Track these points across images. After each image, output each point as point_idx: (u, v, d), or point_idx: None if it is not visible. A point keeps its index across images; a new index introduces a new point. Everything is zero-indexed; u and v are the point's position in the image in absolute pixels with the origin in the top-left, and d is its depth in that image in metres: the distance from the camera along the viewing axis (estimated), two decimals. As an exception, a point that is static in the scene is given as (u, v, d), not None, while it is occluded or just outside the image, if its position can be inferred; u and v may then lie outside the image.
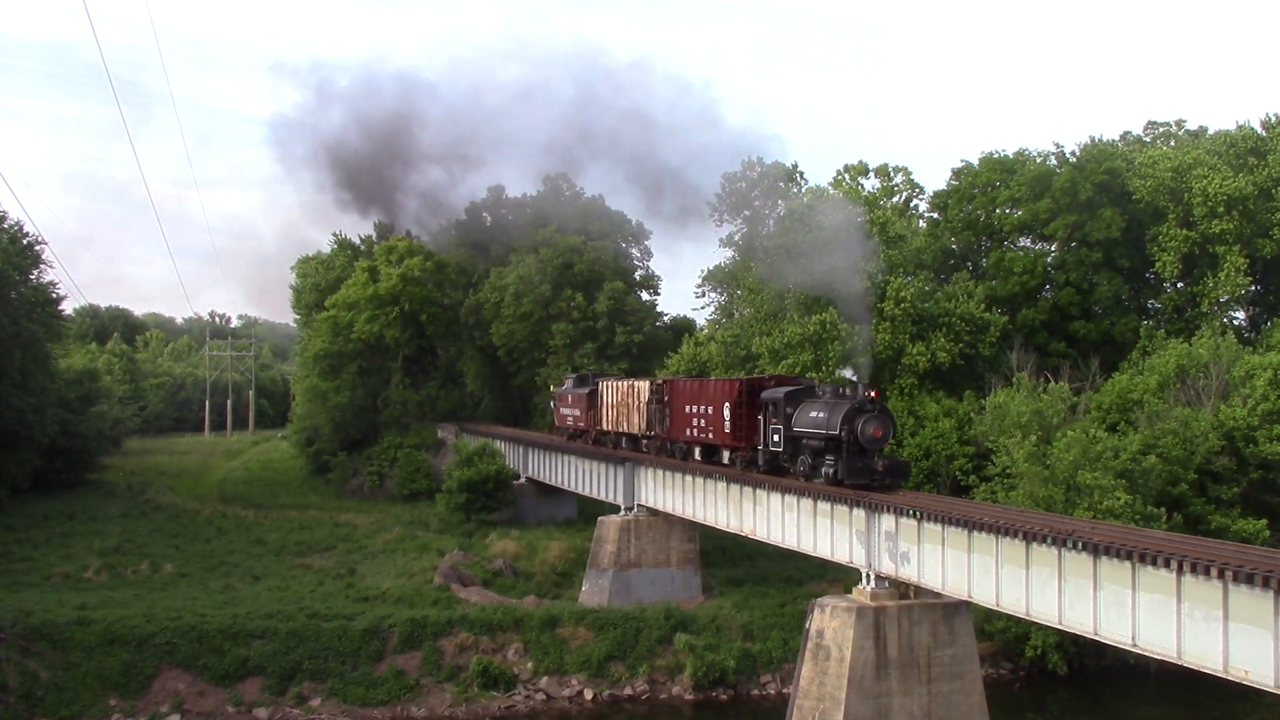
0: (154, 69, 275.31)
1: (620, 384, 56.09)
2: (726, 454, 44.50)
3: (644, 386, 52.28)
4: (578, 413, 61.53)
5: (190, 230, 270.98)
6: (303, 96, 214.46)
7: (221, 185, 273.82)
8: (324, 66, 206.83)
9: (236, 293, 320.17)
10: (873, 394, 36.99)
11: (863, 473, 35.62)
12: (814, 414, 37.64)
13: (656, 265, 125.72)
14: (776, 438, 39.81)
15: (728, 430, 43.13)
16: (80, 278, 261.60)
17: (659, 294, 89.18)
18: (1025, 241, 73.40)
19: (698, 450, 47.11)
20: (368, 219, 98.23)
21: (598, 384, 59.31)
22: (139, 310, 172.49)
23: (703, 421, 45.49)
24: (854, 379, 38.53)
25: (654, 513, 52.31)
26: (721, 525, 45.00)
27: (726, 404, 43.03)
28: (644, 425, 51.71)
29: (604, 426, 57.23)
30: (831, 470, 36.11)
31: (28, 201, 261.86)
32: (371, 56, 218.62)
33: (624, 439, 55.40)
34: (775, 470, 40.64)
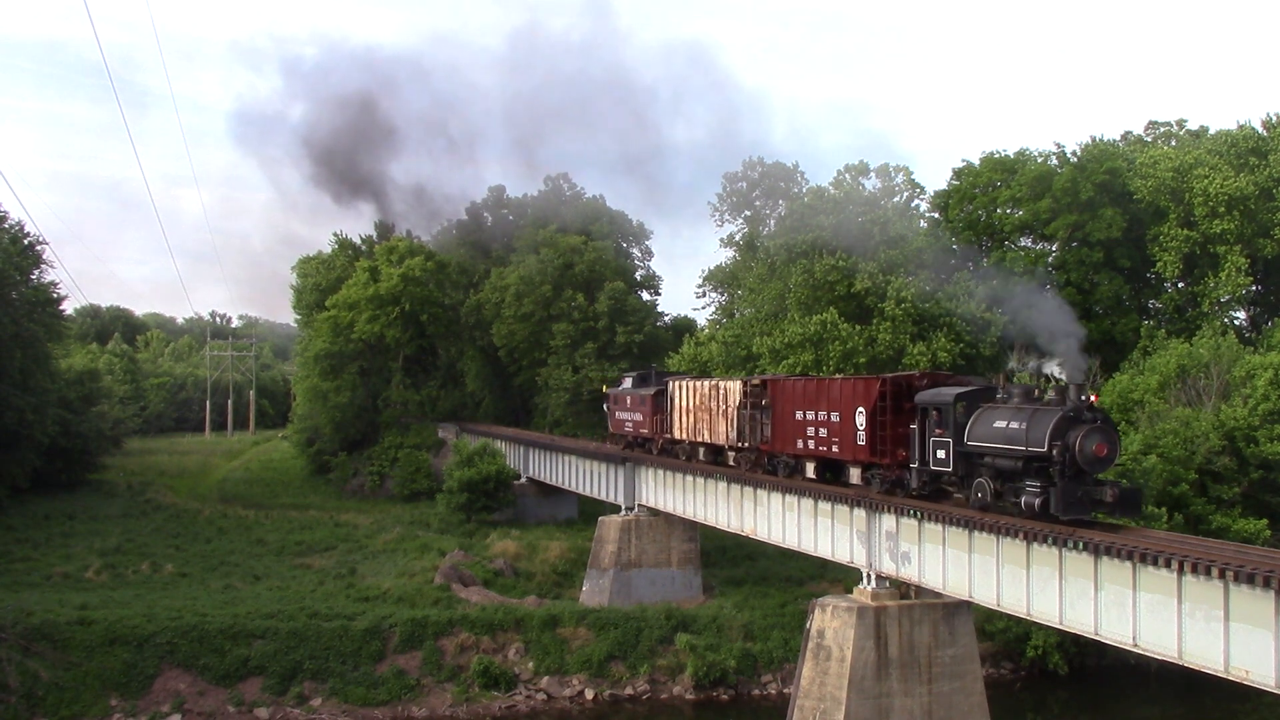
0: (144, 67, 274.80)
1: (700, 384, 46.95)
2: (856, 472, 36.05)
3: (734, 387, 43.58)
4: (639, 418, 53.10)
5: (179, 228, 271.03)
6: (271, 83, 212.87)
7: (212, 183, 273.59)
8: (288, 42, 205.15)
9: (228, 290, 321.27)
10: (1092, 397, 28.94)
11: (1084, 504, 27.50)
12: (1003, 423, 29.32)
13: (657, 265, 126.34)
14: (942, 454, 31.27)
15: (862, 442, 34.64)
16: (67, 276, 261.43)
17: (659, 294, 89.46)
18: (1026, 241, 73.41)
19: (811, 466, 38.55)
20: (352, 208, 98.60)
21: (667, 384, 50.28)
22: (137, 310, 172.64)
23: (823, 431, 36.93)
24: (1059, 376, 30.81)
25: (654, 512, 52.31)
26: (722, 525, 45.00)
27: (861, 409, 34.64)
28: (733, 434, 43.34)
29: (675, 434, 48.92)
30: (1038, 500, 27.86)
31: (9, 197, 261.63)
32: (340, 34, 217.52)
33: (702, 450, 47.13)
34: (936, 495, 32.78)
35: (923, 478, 32.59)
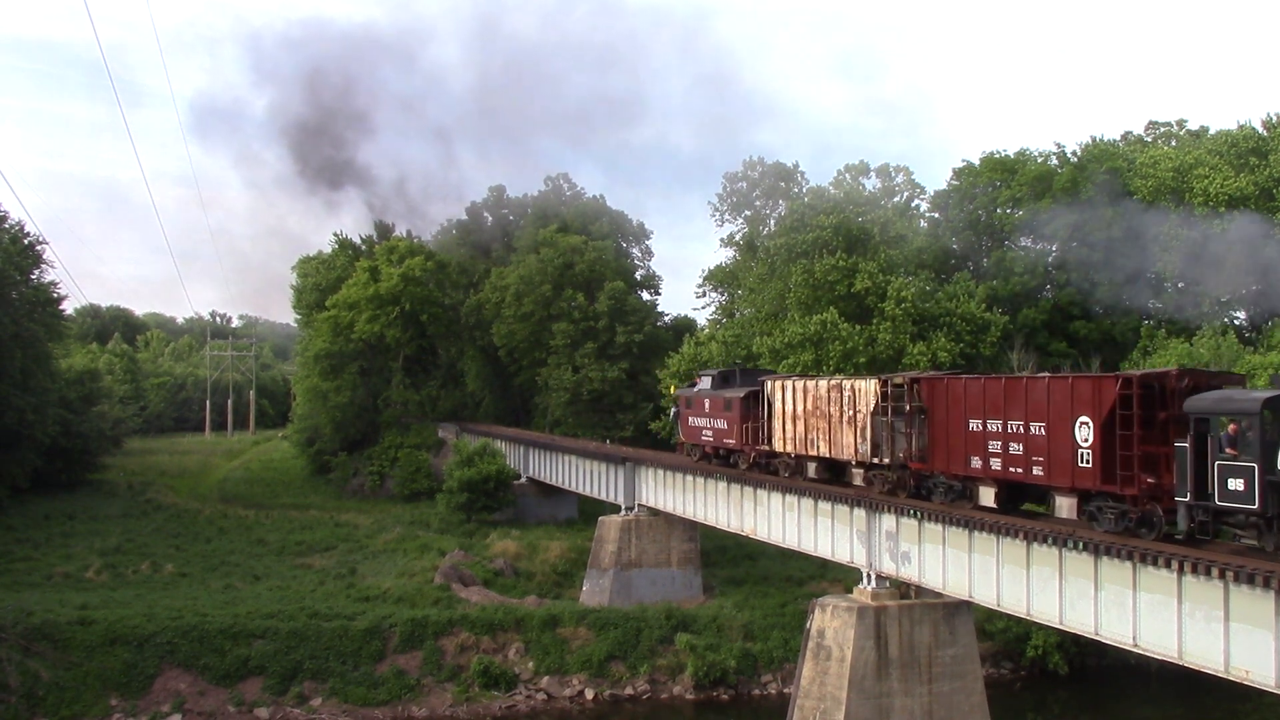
0: (135, 65, 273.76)
1: (813, 384, 38.54)
2: (1069, 502, 27.81)
3: (867, 388, 35.25)
4: (723, 426, 45.11)
5: (164, 226, 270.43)
6: (240, 69, 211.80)
7: (192, 179, 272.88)
8: (251, 22, 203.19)
9: (219, 287, 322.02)
10: None
11: None
12: None
13: (658, 265, 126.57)
14: (1237, 484, 22.94)
15: (1086, 464, 26.55)
16: (67, 276, 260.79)
17: (660, 294, 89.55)
18: (1026, 241, 73.43)
19: (990, 493, 30.43)
20: (332, 199, 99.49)
21: (763, 384, 42.05)
22: (137, 310, 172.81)
23: (1015, 446, 28.84)
24: None
25: (654, 512, 52.33)
26: (722, 525, 44.99)
27: (1084, 419, 26.53)
28: (864, 448, 35.26)
29: (775, 445, 40.77)
30: None
31: (3, 196, 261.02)
32: (304, 11, 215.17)
33: (812, 465, 38.95)
34: (1204, 539, 24.39)
35: (1196, 516, 23.96)
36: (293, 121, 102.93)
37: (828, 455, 37.66)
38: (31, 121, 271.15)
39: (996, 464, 29.59)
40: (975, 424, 30.31)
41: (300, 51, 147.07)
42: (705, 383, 48.07)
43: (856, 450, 35.83)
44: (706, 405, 46.78)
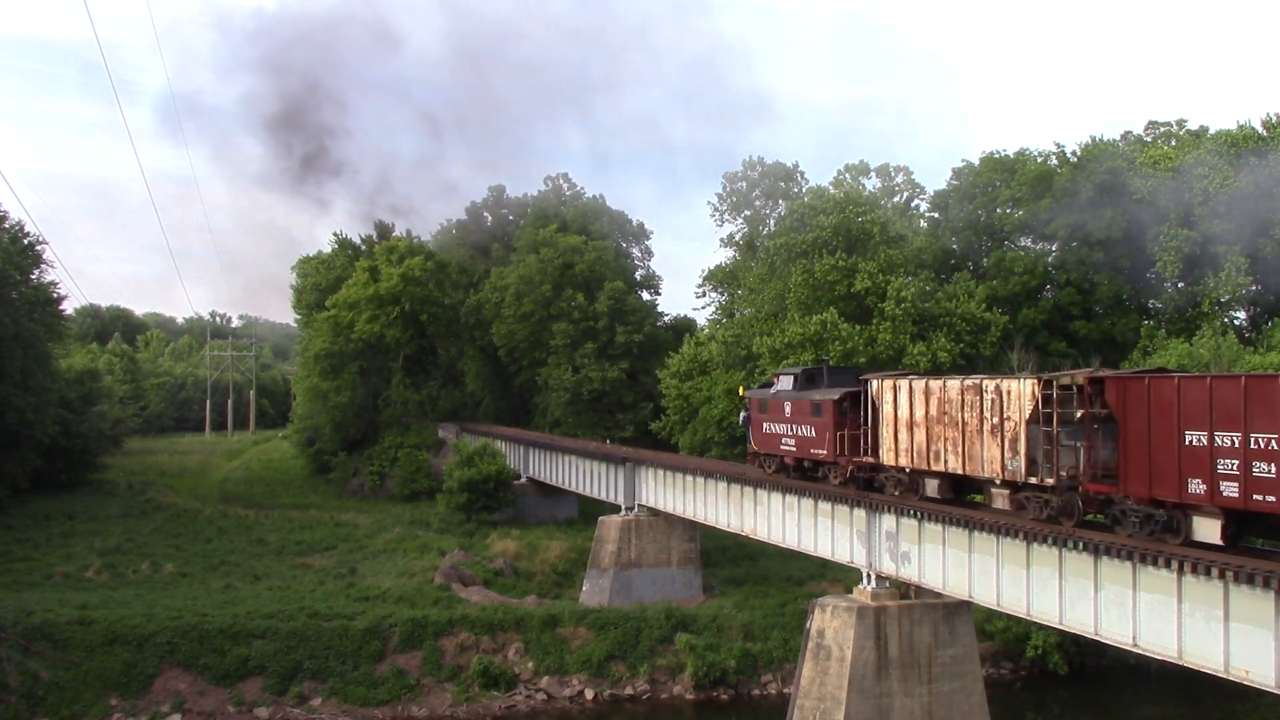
0: (123, 62, 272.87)
1: (938, 385, 31.70)
2: None
3: (1021, 389, 28.43)
4: (810, 433, 38.24)
5: (154, 225, 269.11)
6: (219, 59, 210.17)
7: (181, 177, 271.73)
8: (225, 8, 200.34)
9: (211, 284, 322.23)
10: None
11: None
12: None
13: (657, 265, 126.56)
14: None
15: None
16: (67, 276, 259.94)
17: (659, 294, 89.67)
18: (1026, 241, 73.45)
19: (1215, 525, 23.78)
20: (316, 194, 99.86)
21: (866, 383, 35.36)
22: (137, 310, 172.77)
23: (1263, 466, 22.24)
24: None
25: (654, 512, 52.33)
26: (722, 525, 44.99)
27: None
28: (1016, 463, 28.60)
29: (883, 457, 34.24)
30: None
31: (2, 196, 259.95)
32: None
33: (932, 482, 32.55)
34: None
35: None
36: (272, 112, 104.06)
37: (958, 471, 30.99)
38: (23, 120, 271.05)
39: (1231, 489, 22.72)
40: (1197, 437, 23.54)
41: (275, 36, 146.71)
42: (785, 383, 41.02)
43: (1003, 466, 29.16)
44: (787, 409, 39.68)
